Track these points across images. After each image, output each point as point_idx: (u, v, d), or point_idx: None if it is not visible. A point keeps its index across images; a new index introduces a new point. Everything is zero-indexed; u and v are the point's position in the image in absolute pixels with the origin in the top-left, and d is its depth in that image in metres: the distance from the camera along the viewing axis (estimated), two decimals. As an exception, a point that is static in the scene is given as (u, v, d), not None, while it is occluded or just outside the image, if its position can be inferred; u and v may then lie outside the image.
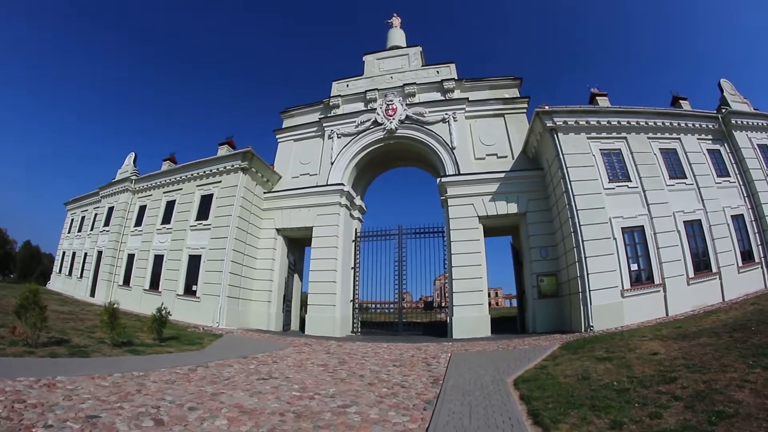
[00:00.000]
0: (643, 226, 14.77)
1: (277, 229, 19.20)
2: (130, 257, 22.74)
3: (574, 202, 14.34)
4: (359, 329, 18.49)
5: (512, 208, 16.44)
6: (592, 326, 13.00)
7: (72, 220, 31.74)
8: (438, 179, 17.49)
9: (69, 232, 31.56)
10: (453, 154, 17.61)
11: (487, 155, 17.68)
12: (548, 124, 15.36)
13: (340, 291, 17.54)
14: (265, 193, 19.86)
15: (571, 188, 14.51)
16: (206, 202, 19.90)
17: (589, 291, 13.32)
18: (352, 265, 18.99)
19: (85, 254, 26.55)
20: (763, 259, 16.15)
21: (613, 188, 15.08)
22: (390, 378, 8.21)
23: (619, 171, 15.58)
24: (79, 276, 26.61)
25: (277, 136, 21.22)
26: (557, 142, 15.24)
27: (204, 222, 19.39)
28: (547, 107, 15.57)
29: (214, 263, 18.01)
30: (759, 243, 16.39)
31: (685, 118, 17.12)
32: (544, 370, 8.31)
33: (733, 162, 17.35)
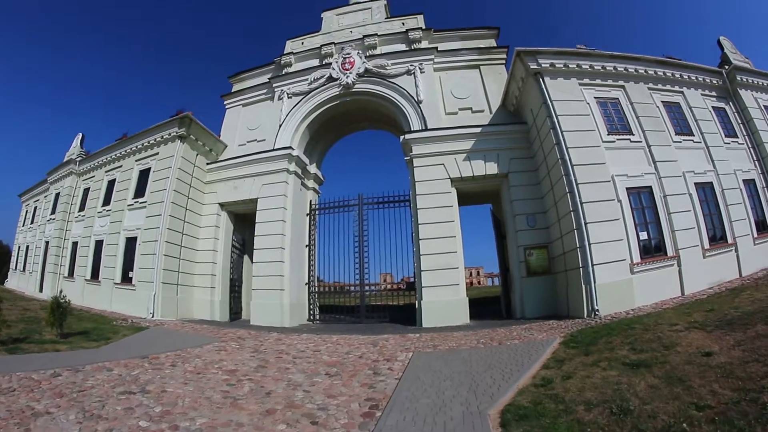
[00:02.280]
0: (651, 187, 10.86)
1: (220, 204, 14.66)
2: (75, 245, 18.27)
3: (569, 156, 10.26)
4: (317, 316, 14.10)
5: (491, 168, 12.10)
6: (597, 310, 9.01)
7: (26, 212, 26.65)
8: (401, 137, 13.05)
9: (23, 226, 26.48)
10: (419, 108, 13.17)
11: (459, 109, 13.27)
12: (532, 67, 11.26)
13: (289, 273, 13.07)
14: (208, 164, 15.31)
15: (564, 140, 10.44)
16: (144, 177, 15.46)
17: (592, 266, 9.32)
18: (307, 243, 14.52)
19: (36, 246, 21.88)
20: (777, 229, 12.55)
21: (614, 141, 11.07)
22: (304, 401, 4.87)
23: (618, 123, 11.55)
24: (31, 271, 21.96)
25: (225, 102, 16.50)
26: (544, 87, 11.16)
27: (141, 200, 14.98)
28: (530, 48, 11.43)
29: (148, 245, 13.74)
30: (772, 211, 12.80)
31: (688, 70, 13.41)
32: (549, 390, 4.41)
33: (740, 122, 13.77)
